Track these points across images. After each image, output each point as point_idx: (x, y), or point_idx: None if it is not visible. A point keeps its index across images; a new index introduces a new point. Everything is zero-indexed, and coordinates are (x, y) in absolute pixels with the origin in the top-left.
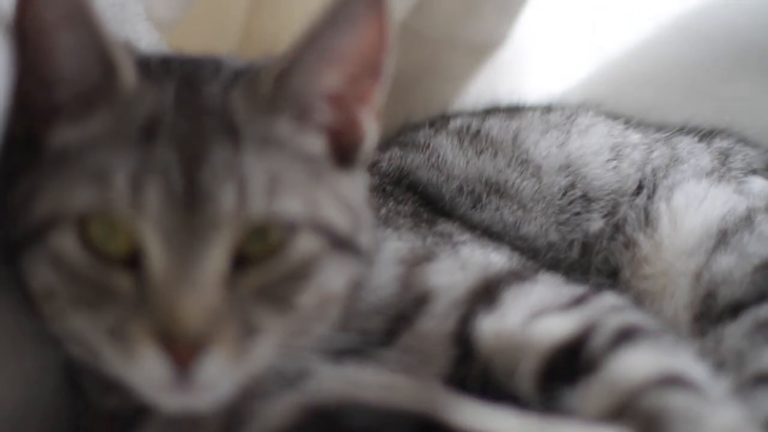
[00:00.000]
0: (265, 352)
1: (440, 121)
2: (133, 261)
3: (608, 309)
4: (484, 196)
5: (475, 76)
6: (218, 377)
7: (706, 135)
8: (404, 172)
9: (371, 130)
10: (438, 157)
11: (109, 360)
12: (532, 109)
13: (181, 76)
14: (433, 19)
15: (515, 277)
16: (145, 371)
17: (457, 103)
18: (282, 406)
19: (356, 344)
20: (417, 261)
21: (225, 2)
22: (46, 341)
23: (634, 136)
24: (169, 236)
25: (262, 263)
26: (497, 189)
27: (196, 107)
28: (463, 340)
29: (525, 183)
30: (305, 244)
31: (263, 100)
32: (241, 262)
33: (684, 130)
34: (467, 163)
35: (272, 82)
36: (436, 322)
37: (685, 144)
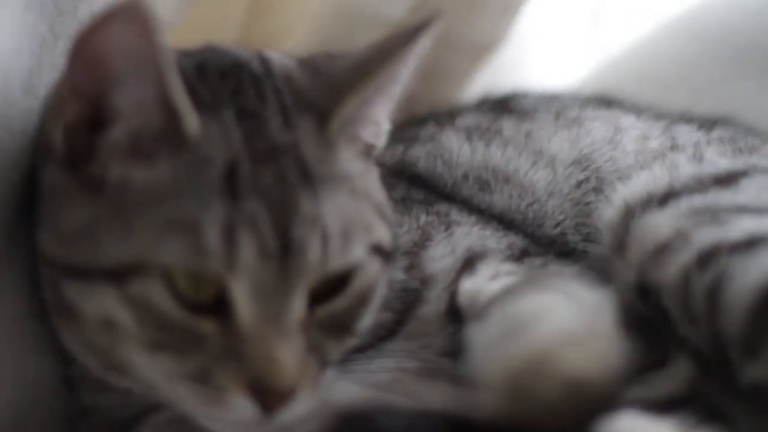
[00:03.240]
0: (330, 377)
1: (446, 116)
2: (217, 307)
3: (543, 271)
4: (493, 184)
5: (475, 76)
6: (299, 413)
7: (706, 124)
8: (406, 165)
9: (387, 128)
10: (443, 149)
11: (180, 399)
12: (545, 109)
13: (233, 102)
14: None
15: (496, 254)
16: (232, 416)
17: (457, 103)
18: (312, 414)
19: (369, 340)
20: (416, 249)
21: (225, 4)
22: (44, 345)
23: (637, 126)
24: (259, 289)
25: (330, 300)
26: (506, 178)
27: (268, 148)
28: (453, 313)
29: (538, 174)
30: (368, 272)
31: (329, 138)
32: (309, 302)
33: (685, 118)
34: (473, 153)
35: (340, 123)
36: (433, 307)
37: (684, 132)
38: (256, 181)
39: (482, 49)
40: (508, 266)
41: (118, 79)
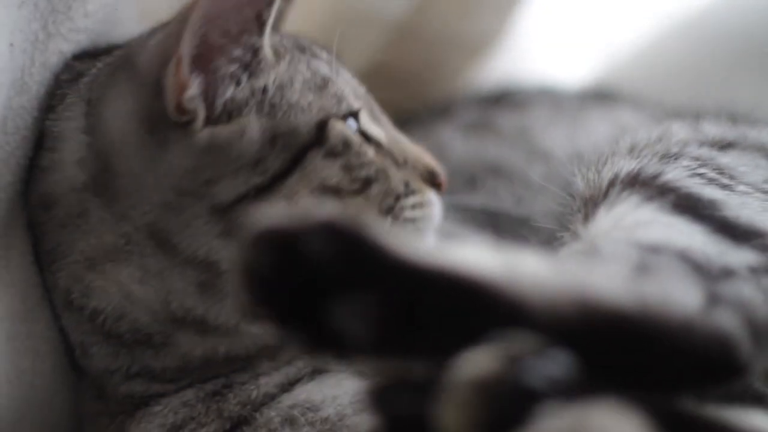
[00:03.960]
0: None
1: (441, 111)
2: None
3: None
4: (479, 180)
5: (475, 75)
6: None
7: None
8: None
9: None
10: (436, 142)
11: (402, 217)
12: (540, 103)
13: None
14: (432, 19)
15: None
16: (429, 204)
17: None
18: None
19: None
20: None
21: None
22: (41, 345)
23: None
24: (371, 110)
25: None
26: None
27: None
28: None
29: (534, 169)
30: None
31: None
32: None
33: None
34: (465, 147)
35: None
36: None
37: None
38: (311, 43)
39: (479, 47)
40: None
41: (224, 29)
